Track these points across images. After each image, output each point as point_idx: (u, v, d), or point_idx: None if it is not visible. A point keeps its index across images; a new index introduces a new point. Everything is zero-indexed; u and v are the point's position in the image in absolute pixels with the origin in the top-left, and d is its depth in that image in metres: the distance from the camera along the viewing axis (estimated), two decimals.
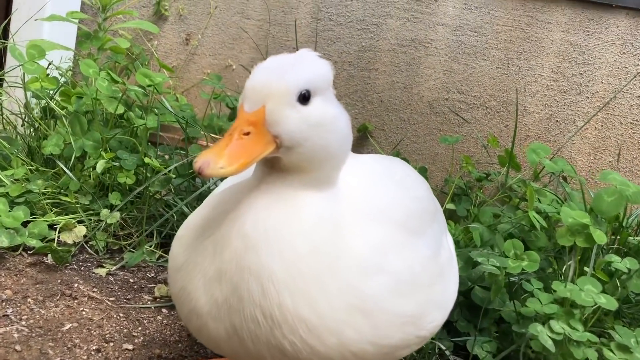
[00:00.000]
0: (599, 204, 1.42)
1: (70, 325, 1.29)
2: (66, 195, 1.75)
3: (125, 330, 1.31)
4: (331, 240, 0.87)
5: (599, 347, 1.24)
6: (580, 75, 2.16)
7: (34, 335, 1.23)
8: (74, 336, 1.25)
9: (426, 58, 2.30)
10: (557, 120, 2.20)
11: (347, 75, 2.39)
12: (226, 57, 2.54)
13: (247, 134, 0.82)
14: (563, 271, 1.49)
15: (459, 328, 1.43)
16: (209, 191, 1.74)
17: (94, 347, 1.23)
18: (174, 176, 1.68)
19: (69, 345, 1.22)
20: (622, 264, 1.37)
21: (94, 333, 1.28)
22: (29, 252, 1.58)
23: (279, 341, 0.85)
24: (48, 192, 1.75)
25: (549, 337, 1.21)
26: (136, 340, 1.29)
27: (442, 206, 1.94)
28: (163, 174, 1.65)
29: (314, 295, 0.84)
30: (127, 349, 1.25)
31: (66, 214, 1.73)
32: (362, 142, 2.40)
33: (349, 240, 0.89)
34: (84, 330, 1.28)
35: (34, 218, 1.64)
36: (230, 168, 0.79)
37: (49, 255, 1.57)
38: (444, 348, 1.36)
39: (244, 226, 0.86)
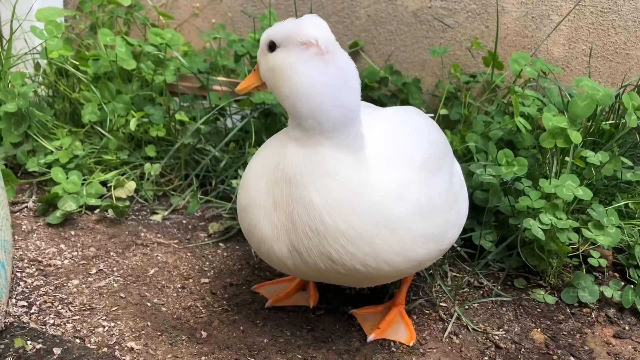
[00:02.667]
0: (573, 108, 1.67)
1: (153, 270, 1.57)
2: (106, 154, 1.97)
3: (197, 267, 1.60)
4: (353, 176, 1.14)
5: (580, 228, 1.55)
6: None
7: (129, 282, 1.51)
8: (159, 278, 1.54)
9: None
10: (532, 17, 2.38)
11: None
12: None
13: (255, 70, 1.24)
14: (547, 165, 1.77)
15: (465, 226, 1.73)
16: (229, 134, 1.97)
17: (179, 285, 1.52)
18: (202, 126, 1.89)
19: (159, 287, 1.51)
20: (595, 157, 1.64)
21: (174, 273, 1.57)
22: (91, 211, 1.82)
23: (326, 250, 1.14)
24: (91, 153, 1.96)
25: (540, 228, 1.51)
26: (209, 274, 1.58)
27: (435, 113, 2.19)
28: (194, 128, 1.86)
29: (347, 213, 1.12)
30: (204, 282, 1.54)
31: (109, 171, 1.96)
32: (355, 57, 2.58)
33: (374, 177, 1.15)
34: (165, 272, 1.57)
35: (84, 180, 1.87)
36: (239, 87, 1.28)
37: (110, 211, 1.82)
38: (455, 245, 1.67)
39: (285, 170, 1.15)
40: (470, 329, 1.44)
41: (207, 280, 1.55)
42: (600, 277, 1.67)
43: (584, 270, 1.63)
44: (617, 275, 1.70)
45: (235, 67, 2.30)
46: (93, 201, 1.81)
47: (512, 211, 1.70)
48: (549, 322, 1.49)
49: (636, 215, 1.82)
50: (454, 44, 2.46)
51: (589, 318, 1.52)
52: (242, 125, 1.89)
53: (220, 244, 1.72)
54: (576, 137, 1.62)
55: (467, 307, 1.52)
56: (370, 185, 1.14)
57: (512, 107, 2.05)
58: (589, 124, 1.87)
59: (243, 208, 1.23)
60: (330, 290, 1.53)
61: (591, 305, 1.57)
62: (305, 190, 1.13)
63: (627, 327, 1.50)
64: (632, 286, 1.58)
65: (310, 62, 1.10)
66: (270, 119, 1.97)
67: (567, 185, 1.55)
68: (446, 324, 1.45)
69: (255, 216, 1.20)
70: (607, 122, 1.95)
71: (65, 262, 1.57)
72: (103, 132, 1.94)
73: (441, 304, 1.52)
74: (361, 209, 1.12)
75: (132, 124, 1.91)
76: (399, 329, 1.40)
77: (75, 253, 1.61)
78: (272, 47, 1.15)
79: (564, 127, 1.63)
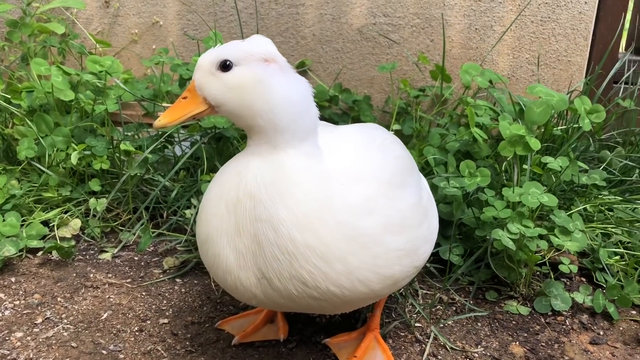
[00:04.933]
0: (530, 115, 1.67)
1: (106, 313, 1.45)
2: (47, 191, 1.83)
3: (154, 307, 1.49)
4: (320, 186, 1.08)
5: (547, 235, 1.53)
6: None
7: (80, 329, 1.39)
8: (114, 322, 1.42)
9: None
10: (476, 28, 2.40)
11: (276, 14, 2.48)
12: (151, 14, 2.55)
13: (185, 98, 1.12)
14: (504, 174, 1.76)
15: None
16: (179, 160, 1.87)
17: (136, 328, 1.40)
18: (150, 156, 1.79)
19: (114, 332, 1.39)
20: (555, 163, 1.64)
21: (129, 315, 1.45)
22: (33, 254, 1.68)
23: (298, 272, 1.07)
24: (29, 192, 1.82)
25: (509, 238, 1.48)
26: (167, 313, 1.47)
27: (388, 128, 2.16)
28: (142, 158, 1.76)
29: (317, 228, 1.06)
30: (163, 323, 1.43)
31: (51, 209, 1.83)
32: (303, 77, 2.53)
33: (341, 189, 1.10)
34: (120, 315, 1.45)
35: (24, 220, 1.73)
36: (164, 121, 1.11)
37: (54, 252, 1.68)
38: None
39: (247, 186, 1.08)
40: (449, 348, 1.39)
41: (166, 321, 1.44)
42: (568, 283, 1.66)
43: (552, 277, 1.61)
44: (583, 279, 1.69)
45: (180, 92, 2.21)
46: (34, 243, 1.67)
47: (477, 223, 1.67)
48: (525, 334, 1.45)
49: (594, 219, 1.83)
50: (401, 59, 2.45)
51: (564, 326, 1.50)
52: (192, 151, 1.80)
53: (177, 280, 1.61)
54: (535, 144, 1.61)
55: (442, 325, 1.47)
56: (338, 198, 1.09)
57: (464, 118, 2.04)
58: (540, 130, 1.87)
59: (204, 240, 1.14)
60: (299, 320, 1.45)
61: (564, 312, 1.54)
62: (272, 204, 1.06)
63: (601, 333, 1.48)
64: (602, 290, 1.57)
65: (277, 76, 1.08)
66: (221, 144, 1.89)
67: (531, 193, 1.53)
68: (423, 345, 1.39)
69: (217, 245, 1.11)
70: (558, 128, 1.96)
71: (7, 313, 1.43)
72: (42, 168, 1.81)
73: (416, 324, 1.46)
74: (331, 223, 1.06)
75: (74, 158, 1.78)
76: (376, 355, 1.33)
77: (18, 302, 1.47)
78: (226, 66, 1.08)
79: (522, 135, 1.62)
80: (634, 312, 1.58)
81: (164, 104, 1.95)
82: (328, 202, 1.07)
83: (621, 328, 1.51)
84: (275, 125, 1.07)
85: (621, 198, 1.86)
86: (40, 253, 1.67)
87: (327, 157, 1.14)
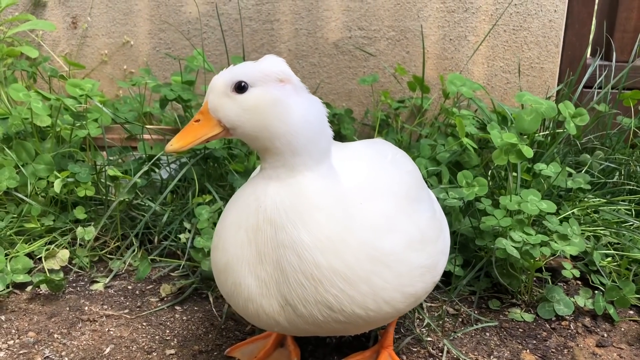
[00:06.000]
0: (520, 123, 1.69)
1: (109, 348, 1.39)
2: (28, 222, 1.75)
3: (157, 338, 1.43)
4: (340, 207, 1.06)
5: (548, 241, 1.54)
6: None
7: None
8: (118, 357, 1.36)
9: (323, 1, 2.41)
10: (450, 39, 2.43)
11: (251, 31, 2.45)
12: (121, 33, 2.48)
13: (198, 120, 1.08)
14: (493, 181, 1.78)
15: None
16: (167, 184, 1.82)
17: None
18: (139, 180, 1.73)
19: None
20: (548, 169, 1.66)
21: (133, 348, 1.39)
22: (20, 289, 1.60)
23: (323, 297, 1.04)
24: (10, 223, 1.74)
25: (513, 246, 1.49)
26: (172, 343, 1.41)
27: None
28: (131, 183, 1.70)
29: (340, 250, 1.04)
30: (170, 354, 1.38)
31: (34, 241, 1.75)
32: None
33: (360, 209, 1.08)
34: (123, 349, 1.39)
35: (7, 254, 1.65)
36: (176, 145, 1.07)
37: (42, 286, 1.60)
38: None
39: (267, 212, 1.05)
40: None
41: (173, 351, 1.39)
42: (566, 287, 1.68)
43: (550, 282, 1.64)
44: (579, 283, 1.72)
45: (159, 113, 2.16)
46: (21, 278, 1.59)
47: (475, 232, 1.68)
48: (534, 342, 1.46)
49: (582, 222, 1.86)
50: (377, 71, 2.46)
51: (569, 331, 1.52)
52: (182, 173, 1.75)
53: (177, 307, 1.56)
54: (528, 151, 1.64)
55: (451, 337, 1.47)
56: (359, 218, 1.07)
57: (449, 128, 2.06)
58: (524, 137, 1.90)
59: (222, 269, 1.10)
60: (310, 342, 1.42)
61: (567, 317, 1.56)
62: (294, 229, 1.03)
63: (605, 335, 1.51)
64: (601, 292, 1.60)
65: (293, 96, 1.05)
66: (210, 165, 1.85)
67: (530, 200, 1.55)
68: None
69: (238, 274, 1.07)
70: (540, 134, 2.00)
71: (1, 354, 1.35)
72: (24, 198, 1.73)
73: (427, 338, 1.45)
74: (354, 245, 1.04)
75: (57, 186, 1.71)
76: None
77: (12, 342, 1.39)
78: (241, 88, 1.05)
79: (514, 143, 1.64)
80: (631, 312, 1.61)
81: (152, 126, 1.89)
82: (349, 223, 1.05)
83: (622, 329, 1.54)
84: (293, 147, 1.05)
85: (605, 200, 1.91)
86: (29, 288, 1.59)
87: (342, 177, 1.12)
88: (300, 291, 1.04)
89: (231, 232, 1.09)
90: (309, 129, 1.05)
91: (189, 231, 1.69)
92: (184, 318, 1.51)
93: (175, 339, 1.43)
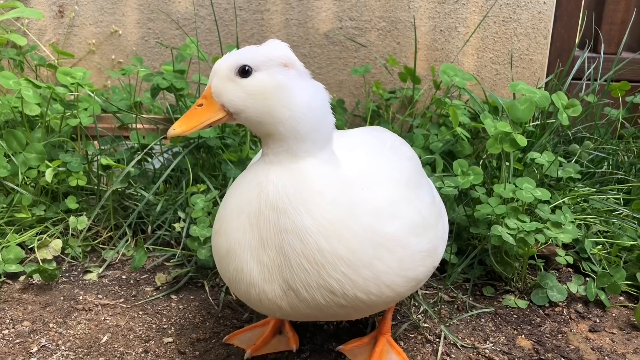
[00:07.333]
0: (514, 112, 1.71)
1: (106, 336, 1.38)
2: (19, 212, 1.73)
3: (154, 326, 1.42)
4: (343, 192, 1.06)
5: (542, 228, 1.56)
6: None
7: (81, 355, 1.31)
8: (116, 345, 1.35)
9: None
10: (441, 30, 2.44)
11: (241, 20, 2.44)
12: (109, 23, 2.46)
13: (201, 105, 1.06)
14: (485, 170, 1.79)
15: None
16: (161, 174, 1.81)
17: (140, 350, 1.34)
18: (132, 169, 1.72)
19: (118, 355, 1.32)
20: (542, 158, 1.68)
21: (131, 337, 1.38)
22: (12, 279, 1.58)
23: (326, 281, 1.04)
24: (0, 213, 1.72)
25: (508, 233, 1.50)
26: (170, 332, 1.41)
27: None
28: (124, 172, 1.68)
29: (344, 235, 1.04)
30: (168, 342, 1.37)
31: (25, 231, 1.72)
32: None
33: (362, 194, 1.09)
34: (120, 337, 1.38)
35: None
36: (179, 130, 1.05)
37: (34, 276, 1.59)
38: None
39: (269, 197, 1.05)
40: (460, 347, 1.40)
41: (170, 340, 1.38)
42: (557, 274, 1.70)
43: (543, 269, 1.66)
44: (571, 270, 1.74)
45: (149, 103, 2.14)
46: (13, 268, 1.57)
47: (469, 221, 1.69)
48: (529, 327, 1.48)
49: (572, 210, 1.89)
50: (368, 62, 2.46)
51: (562, 316, 1.54)
52: (176, 163, 1.74)
53: (172, 296, 1.55)
54: (522, 140, 1.65)
55: (448, 324, 1.48)
56: (361, 203, 1.07)
57: (441, 118, 2.07)
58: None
59: (224, 254, 1.10)
60: (307, 328, 1.42)
61: (560, 303, 1.58)
62: (297, 214, 1.03)
63: (597, 320, 1.53)
64: (593, 279, 1.62)
65: (297, 81, 1.05)
66: (204, 154, 1.84)
67: (525, 188, 1.56)
68: (435, 345, 1.39)
69: (240, 259, 1.07)
70: (531, 124, 2.02)
71: None
72: (15, 187, 1.70)
73: (424, 325, 1.46)
74: (356, 229, 1.05)
75: (48, 175, 1.69)
76: (391, 358, 1.32)
77: (7, 331, 1.38)
78: (245, 72, 1.04)
79: (508, 132, 1.65)
80: (621, 298, 1.64)
81: (146, 115, 1.88)
82: (352, 209, 1.06)
83: (614, 314, 1.56)
84: (297, 133, 1.05)
85: (595, 189, 1.93)
86: (22, 278, 1.57)
87: (344, 163, 1.12)
88: (303, 275, 1.04)
89: (233, 218, 1.09)
90: (313, 115, 1.05)
91: (184, 220, 1.68)
92: (180, 307, 1.51)
93: (173, 327, 1.42)
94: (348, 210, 1.05)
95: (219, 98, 1.06)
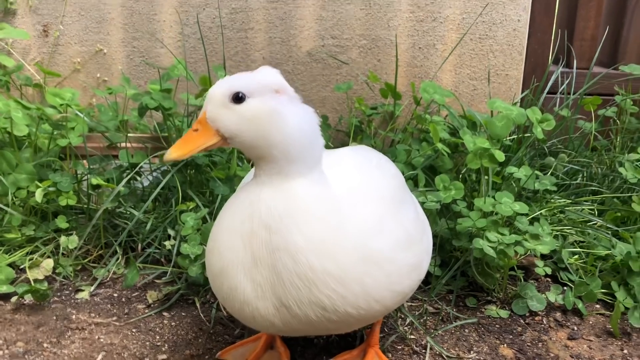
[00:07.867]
0: (492, 129, 1.77)
1: (100, 355, 1.40)
2: (8, 232, 1.75)
3: (148, 344, 1.45)
4: (332, 211, 1.11)
5: (521, 240, 1.63)
6: (432, 3, 2.47)
7: None
8: None
9: (297, 10, 2.46)
10: (420, 47, 2.51)
11: (225, 39, 2.48)
12: (94, 42, 2.48)
13: (196, 130, 1.11)
14: (465, 184, 1.86)
15: None
16: (150, 193, 1.84)
17: None
18: (122, 189, 1.75)
19: None
20: (519, 172, 1.75)
21: (125, 355, 1.41)
22: (3, 300, 1.60)
23: (317, 298, 1.09)
24: None
25: (489, 246, 1.56)
26: (164, 349, 1.44)
27: (345, 146, 2.22)
28: (115, 192, 1.71)
29: (334, 253, 1.09)
30: (162, 359, 1.40)
31: (14, 251, 1.74)
32: None
33: (351, 212, 1.14)
34: (115, 355, 1.40)
35: None
36: (175, 154, 1.09)
37: (25, 296, 1.60)
38: None
39: (262, 217, 1.09)
40: (445, 357, 1.45)
41: (164, 357, 1.41)
42: (537, 285, 1.77)
43: (522, 280, 1.72)
44: (549, 280, 1.81)
45: (136, 122, 2.17)
46: (4, 288, 1.59)
47: (451, 234, 1.75)
48: (511, 336, 1.54)
49: (549, 221, 1.96)
50: (350, 78, 2.52)
51: (542, 325, 1.60)
52: (166, 181, 1.77)
53: (164, 313, 1.58)
54: (500, 155, 1.72)
55: (433, 335, 1.53)
56: (350, 221, 1.12)
57: (422, 133, 2.13)
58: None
59: (218, 273, 1.14)
60: (298, 343, 1.46)
61: (540, 312, 1.65)
62: (288, 233, 1.07)
63: (575, 328, 1.60)
64: (570, 289, 1.69)
65: (288, 107, 1.10)
66: (192, 171, 1.87)
67: (504, 202, 1.63)
68: (421, 356, 1.45)
69: (234, 278, 1.11)
70: (509, 139, 2.10)
71: None
72: (3, 207, 1.72)
73: (410, 336, 1.51)
74: (347, 247, 1.10)
75: (38, 195, 1.71)
76: None
77: (1, 352, 1.39)
78: (239, 98, 1.09)
79: (487, 148, 1.72)
80: (597, 306, 1.71)
81: (134, 134, 1.91)
82: (342, 227, 1.10)
83: (590, 322, 1.63)
84: (289, 155, 1.09)
85: (570, 200, 2.01)
86: (13, 299, 1.58)
87: (332, 182, 1.17)
88: (295, 293, 1.09)
89: (226, 237, 1.13)
90: (304, 138, 1.10)
91: (174, 238, 1.71)
92: (173, 324, 1.54)
93: (166, 344, 1.45)
94: (338, 228, 1.10)
95: (213, 123, 1.10)
